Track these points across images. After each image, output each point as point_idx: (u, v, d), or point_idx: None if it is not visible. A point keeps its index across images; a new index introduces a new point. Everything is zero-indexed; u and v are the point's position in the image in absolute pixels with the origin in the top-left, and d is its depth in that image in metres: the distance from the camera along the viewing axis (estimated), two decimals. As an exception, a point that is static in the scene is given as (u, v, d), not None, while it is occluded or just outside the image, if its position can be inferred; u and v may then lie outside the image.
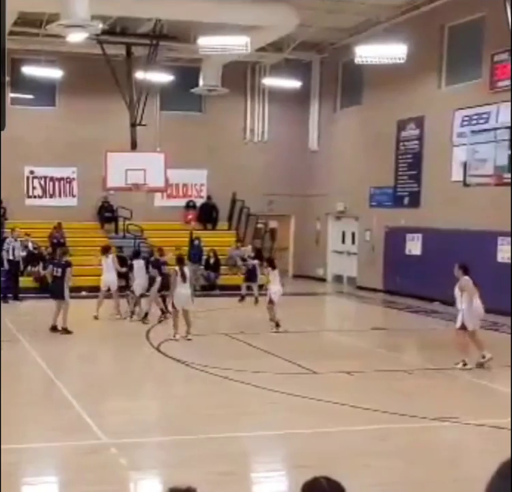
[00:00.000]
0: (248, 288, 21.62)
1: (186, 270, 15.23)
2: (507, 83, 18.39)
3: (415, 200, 22.88)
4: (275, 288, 16.58)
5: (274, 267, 16.89)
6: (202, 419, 9.45)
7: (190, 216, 27.22)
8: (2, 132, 4.76)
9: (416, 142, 22.77)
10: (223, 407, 10.04)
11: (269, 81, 26.90)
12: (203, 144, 27.01)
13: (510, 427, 8.45)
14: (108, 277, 17.83)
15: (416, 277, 21.77)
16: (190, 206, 27.63)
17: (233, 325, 17.32)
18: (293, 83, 26.08)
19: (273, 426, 9.23)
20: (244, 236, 26.81)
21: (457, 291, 13.31)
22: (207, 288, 23.48)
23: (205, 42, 20.39)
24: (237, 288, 22.28)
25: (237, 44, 20.57)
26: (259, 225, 27.82)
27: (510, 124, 15.49)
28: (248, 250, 25.08)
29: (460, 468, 7.97)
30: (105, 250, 18.35)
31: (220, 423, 9.25)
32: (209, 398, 10.64)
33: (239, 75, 27.53)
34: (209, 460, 7.76)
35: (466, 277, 13.29)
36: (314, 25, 23.71)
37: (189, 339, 14.79)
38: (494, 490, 1.68)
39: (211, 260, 24.11)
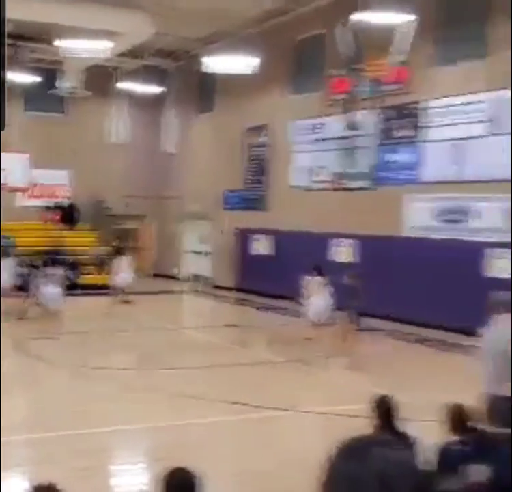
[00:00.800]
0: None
1: (52, 270, 15.34)
2: (342, 96, 19.67)
3: (262, 203, 24.06)
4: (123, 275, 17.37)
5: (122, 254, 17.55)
6: (66, 415, 9.58)
7: (52, 217, 27.46)
8: None
9: (263, 148, 24.01)
10: (86, 403, 10.18)
11: (130, 86, 27.46)
12: (66, 145, 27.39)
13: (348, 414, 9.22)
14: None
15: (264, 275, 22.95)
16: (52, 206, 27.82)
17: (98, 323, 17.61)
18: (152, 89, 26.91)
19: (133, 421, 9.45)
20: (104, 236, 27.29)
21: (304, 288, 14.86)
22: (69, 288, 23.76)
23: (65, 44, 20.87)
24: (98, 287, 22.60)
25: (97, 49, 21.23)
26: (119, 226, 28.46)
27: (345, 134, 16.90)
28: (107, 250, 25.73)
29: (304, 454, 7.90)
30: None
31: (84, 419, 9.44)
32: (73, 395, 10.77)
33: (102, 79, 27.98)
34: (72, 456, 7.89)
35: (318, 277, 14.75)
36: (170, 34, 24.62)
37: (57, 338, 14.73)
38: (338, 472, 1.68)
39: (72, 260, 24.50)
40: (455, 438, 5.32)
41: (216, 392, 10.95)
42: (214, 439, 8.98)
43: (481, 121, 16.67)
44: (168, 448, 8.20)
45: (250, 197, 24.78)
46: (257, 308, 21.61)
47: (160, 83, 27.54)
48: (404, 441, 4.92)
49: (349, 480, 1.59)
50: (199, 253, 27.89)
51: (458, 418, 5.40)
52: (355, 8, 15.79)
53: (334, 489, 1.63)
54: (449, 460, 5.00)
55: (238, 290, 24.57)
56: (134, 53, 26.24)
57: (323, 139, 18.60)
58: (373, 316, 17.87)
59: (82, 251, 25.21)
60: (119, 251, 18.14)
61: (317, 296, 14.68)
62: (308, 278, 14.97)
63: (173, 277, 28.58)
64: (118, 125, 29.13)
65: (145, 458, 8.69)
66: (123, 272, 17.53)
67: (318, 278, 15.01)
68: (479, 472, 4.91)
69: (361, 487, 1.57)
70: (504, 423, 5.33)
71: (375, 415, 5.36)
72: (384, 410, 5.40)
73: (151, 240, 30.08)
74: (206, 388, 11.33)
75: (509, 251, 15.96)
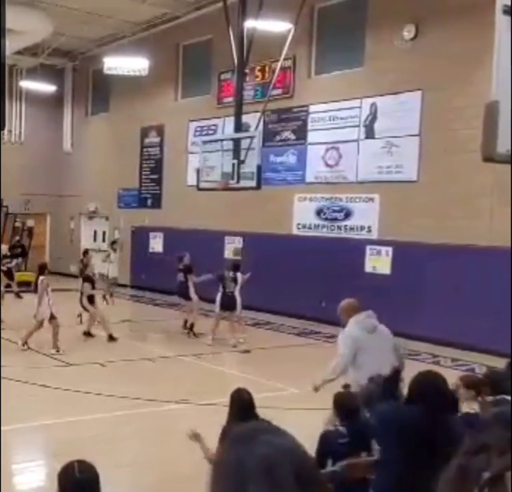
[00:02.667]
0: (7, 285, 22.14)
1: None
2: (231, 99, 20.40)
3: (157, 202, 24.50)
4: None
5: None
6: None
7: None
8: None
9: (157, 148, 24.44)
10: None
11: (26, 84, 27.37)
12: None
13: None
14: None
15: (158, 272, 23.36)
16: None
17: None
18: (48, 87, 26.89)
19: (30, 418, 9.48)
20: (2, 235, 27.17)
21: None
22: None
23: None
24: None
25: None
26: (17, 224, 28.37)
27: (233, 136, 17.42)
28: (4, 248, 25.68)
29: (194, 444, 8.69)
30: None
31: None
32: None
33: (-3, 76, 27.97)
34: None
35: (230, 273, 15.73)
36: (67, 34, 24.73)
37: None
38: (226, 456, 1.70)
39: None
40: (336, 424, 5.75)
41: (111, 387, 11.12)
42: (111, 433, 9.19)
43: (356, 126, 17.72)
44: (65, 444, 8.35)
45: (144, 195, 25.20)
46: (154, 304, 22.05)
47: (56, 82, 27.60)
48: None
49: (236, 463, 1.62)
50: (93, 250, 28.02)
51: (340, 404, 5.82)
52: (241, 15, 16.45)
53: (222, 473, 1.67)
54: (328, 444, 5.49)
55: (134, 287, 24.97)
56: (31, 51, 26.25)
57: (213, 141, 19.12)
58: (262, 310, 18.69)
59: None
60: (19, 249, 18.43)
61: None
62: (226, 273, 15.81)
63: (70, 275, 28.59)
64: (15, 123, 29.05)
65: (42, 454, 8.85)
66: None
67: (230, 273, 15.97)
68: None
69: (246, 471, 1.60)
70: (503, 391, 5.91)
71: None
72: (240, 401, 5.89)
73: (48, 238, 30.11)
74: (102, 383, 11.48)
75: (381, 248, 17.10)
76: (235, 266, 16.11)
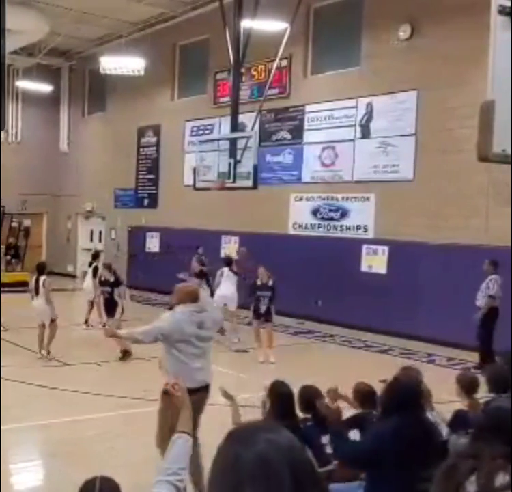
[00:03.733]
0: None
1: None
2: (227, 99, 20.45)
3: (153, 201, 24.54)
4: None
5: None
6: None
7: None
8: None
9: (154, 148, 24.47)
10: None
11: (23, 84, 27.37)
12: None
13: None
14: None
15: (155, 272, 23.45)
16: None
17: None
18: (45, 87, 26.90)
19: (27, 418, 9.45)
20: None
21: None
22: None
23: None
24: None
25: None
26: (14, 224, 28.39)
27: (230, 136, 17.44)
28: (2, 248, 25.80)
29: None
30: None
31: None
32: None
33: (-6, 76, 27.99)
34: None
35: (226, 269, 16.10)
36: (63, 33, 24.72)
37: None
38: (224, 455, 1.70)
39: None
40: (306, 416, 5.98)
41: (109, 387, 11.12)
42: (109, 432, 9.17)
43: (352, 126, 17.76)
44: (63, 444, 8.40)
45: (141, 195, 25.22)
46: (151, 304, 22.07)
47: (53, 82, 27.62)
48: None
49: (234, 461, 1.64)
50: (90, 250, 28.06)
51: (307, 398, 6.05)
52: (237, 15, 16.49)
53: (220, 471, 1.68)
54: (306, 434, 5.54)
55: (130, 286, 24.92)
56: (27, 51, 26.28)
57: (209, 140, 19.13)
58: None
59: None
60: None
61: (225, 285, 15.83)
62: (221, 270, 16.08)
63: (67, 275, 28.66)
64: (12, 123, 29.06)
65: (40, 454, 8.81)
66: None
67: (226, 269, 16.21)
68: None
69: (243, 469, 1.62)
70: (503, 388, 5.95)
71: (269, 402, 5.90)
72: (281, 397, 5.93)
73: (45, 238, 30.13)
74: (99, 383, 11.50)
75: (377, 247, 17.15)
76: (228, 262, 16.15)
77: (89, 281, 17.72)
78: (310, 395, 6.06)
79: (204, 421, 7.14)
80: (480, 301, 13.40)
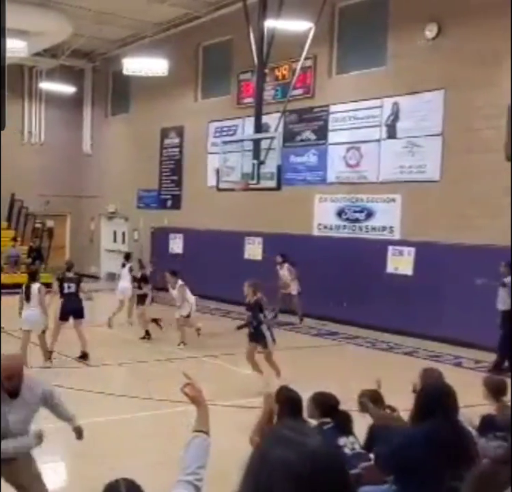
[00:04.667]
0: None
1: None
2: (251, 99, 20.39)
3: (177, 202, 24.51)
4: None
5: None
6: None
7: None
8: None
9: (177, 149, 24.45)
10: None
11: (46, 85, 27.51)
12: (-19, 145, 27.23)
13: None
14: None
15: (178, 273, 23.37)
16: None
17: (11, 322, 17.61)
18: (68, 89, 26.97)
19: (52, 419, 9.46)
20: (22, 235, 27.31)
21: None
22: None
23: (-18, 43, 20.88)
24: (17, 286, 22.71)
25: (14, 48, 21.29)
26: (37, 225, 28.46)
27: (253, 136, 17.38)
28: (23, 249, 25.86)
29: (213, 444, 8.66)
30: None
31: None
32: None
33: (17, 78, 28.01)
34: None
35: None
36: (86, 35, 24.82)
37: None
38: (253, 455, 1.68)
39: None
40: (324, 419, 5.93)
41: (131, 388, 11.18)
42: (132, 433, 9.21)
43: (377, 126, 17.62)
44: (87, 445, 8.12)
45: (164, 196, 25.20)
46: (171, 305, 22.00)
47: (76, 84, 27.70)
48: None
49: (261, 463, 1.62)
50: (113, 251, 28.16)
51: (325, 403, 6.04)
52: (261, 15, 16.42)
53: (250, 471, 1.65)
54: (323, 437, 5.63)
55: (152, 288, 24.87)
56: (50, 53, 26.38)
57: (233, 141, 19.08)
58: (281, 311, 18.62)
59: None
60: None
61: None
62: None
63: (90, 276, 28.68)
64: (35, 125, 29.21)
65: (64, 455, 8.83)
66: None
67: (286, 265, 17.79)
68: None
69: (269, 471, 1.59)
70: None
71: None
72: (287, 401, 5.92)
73: (68, 239, 30.21)
74: (117, 384, 11.65)
75: (404, 248, 16.99)
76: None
77: (123, 282, 17.96)
78: (328, 400, 6.05)
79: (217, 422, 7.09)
80: (502, 303, 13.23)
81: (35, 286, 12.82)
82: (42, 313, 12.74)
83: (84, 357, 13.38)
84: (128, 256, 19.34)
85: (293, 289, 18.28)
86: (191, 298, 15.43)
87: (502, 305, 13.39)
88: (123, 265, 18.65)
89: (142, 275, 16.93)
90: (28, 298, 12.69)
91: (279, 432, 1.70)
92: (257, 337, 11.81)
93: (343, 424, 5.87)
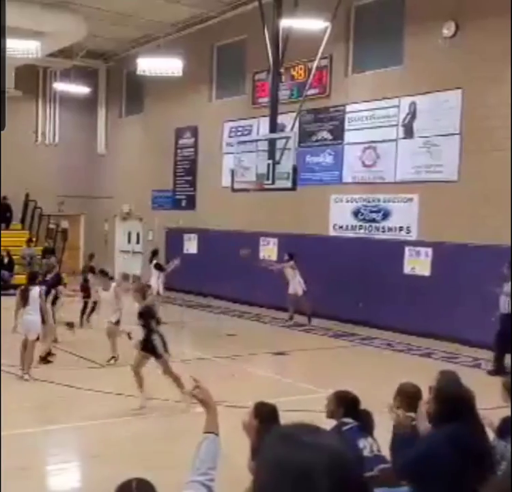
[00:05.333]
0: None
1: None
2: (266, 99, 20.29)
3: (191, 203, 24.46)
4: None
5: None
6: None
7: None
8: None
9: (192, 149, 24.39)
10: (16, 403, 10.10)
11: (60, 86, 27.56)
12: (-4, 145, 27.27)
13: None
14: None
15: (193, 274, 23.32)
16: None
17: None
18: (82, 89, 26.98)
19: (66, 420, 9.53)
20: (36, 236, 27.33)
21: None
22: (2, 288, 23.78)
23: (-3, 43, 20.93)
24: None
25: (28, 48, 21.33)
26: (51, 225, 28.45)
27: (269, 136, 17.30)
28: (37, 250, 25.87)
29: (229, 446, 8.30)
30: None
31: (12, 419, 9.21)
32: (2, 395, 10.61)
33: (31, 79, 28.07)
34: (6, 456, 7.71)
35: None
36: (100, 35, 24.86)
37: None
38: (265, 459, 1.65)
39: (6, 260, 24.46)
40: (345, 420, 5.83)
41: (147, 389, 10.95)
42: (146, 434, 9.18)
43: (394, 126, 17.48)
44: (100, 445, 8.43)
45: (178, 197, 25.14)
46: (187, 306, 21.96)
47: (90, 84, 27.69)
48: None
49: (275, 463, 1.57)
50: (127, 252, 28.16)
51: (348, 402, 5.93)
52: (276, 14, 16.33)
53: (262, 472, 1.62)
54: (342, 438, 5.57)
55: (167, 288, 24.83)
56: (64, 53, 26.37)
57: (248, 141, 19.02)
58: (297, 312, 18.54)
59: (15, 251, 25.20)
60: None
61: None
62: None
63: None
64: (49, 125, 29.23)
65: (77, 456, 8.82)
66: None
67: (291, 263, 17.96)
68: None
69: (284, 472, 1.56)
70: None
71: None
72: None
73: (82, 240, 30.21)
74: (134, 385, 11.20)
75: (421, 249, 16.85)
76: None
77: (153, 279, 18.49)
78: (352, 399, 5.97)
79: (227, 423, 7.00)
80: (505, 305, 13.06)
81: (36, 290, 12.03)
82: (42, 319, 12.00)
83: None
84: (155, 252, 19.76)
85: (294, 289, 18.28)
86: (122, 302, 13.66)
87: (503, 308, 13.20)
88: (151, 261, 19.26)
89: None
90: (25, 301, 11.84)
91: (290, 433, 1.64)
92: (147, 346, 10.68)
93: (364, 425, 5.78)
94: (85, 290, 17.71)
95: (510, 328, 12.78)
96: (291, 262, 18.39)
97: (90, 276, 17.21)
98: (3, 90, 4.80)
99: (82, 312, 17.22)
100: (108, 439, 8.93)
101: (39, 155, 28.65)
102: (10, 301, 20.72)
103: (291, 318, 18.47)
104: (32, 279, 12.41)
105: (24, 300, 11.88)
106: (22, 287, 12.23)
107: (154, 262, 18.92)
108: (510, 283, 13.16)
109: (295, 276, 18.24)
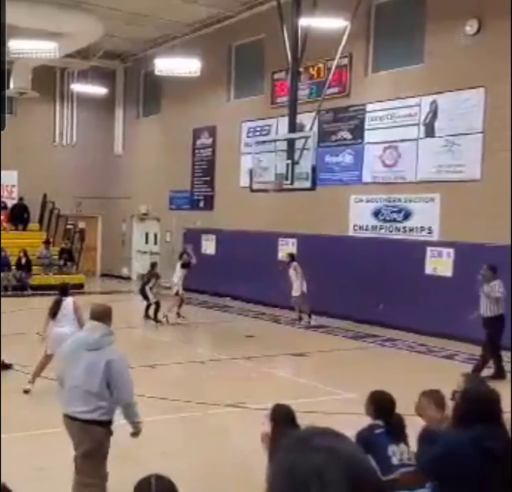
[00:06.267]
0: None
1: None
2: (285, 99, 20.20)
3: (209, 203, 24.38)
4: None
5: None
6: (16, 416, 9.37)
7: (1, 217, 27.43)
8: None
9: (210, 150, 24.31)
10: (36, 404, 10.16)
11: (77, 87, 27.62)
12: (13, 146, 27.18)
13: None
14: None
15: (210, 274, 23.25)
16: (1, 206, 27.67)
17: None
18: (100, 90, 27.03)
19: None
20: (54, 237, 27.35)
21: None
22: (19, 288, 23.87)
23: (16, 45, 20.99)
24: (49, 287, 22.98)
25: (46, 49, 21.34)
26: (69, 226, 28.50)
27: (288, 136, 17.19)
28: (55, 250, 25.92)
29: (247, 448, 7.64)
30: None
31: (34, 419, 9.44)
32: (21, 396, 10.65)
33: (49, 80, 28.13)
34: (26, 456, 7.90)
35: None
36: (118, 35, 24.84)
37: None
38: (279, 464, 1.62)
39: (23, 260, 24.52)
40: (377, 422, 5.77)
41: (160, 390, 11.08)
42: (164, 436, 9.12)
43: (415, 125, 17.30)
44: (119, 446, 8.26)
45: (196, 197, 25.05)
46: (207, 307, 21.92)
47: (108, 85, 27.70)
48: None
49: (288, 469, 1.55)
50: (145, 252, 28.12)
51: (381, 403, 5.85)
52: (295, 13, 16.19)
53: (276, 478, 1.59)
54: (365, 438, 5.43)
55: (185, 289, 24.77)
56: (82, 54, 26.36)
57: (267, 141, 18.90)
58: (317, 313, 18.40)
59: (32, 251, 25.22)
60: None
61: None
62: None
63: (120, 277, 28.69)
64: (67, 126, 29.23)
65: None
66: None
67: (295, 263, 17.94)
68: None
69: (297, 478, 1.53)
70: None
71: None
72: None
73: (99, 240, 30.20)
74: (151, 386, 11.29)
75: (443, 249, 16.65)
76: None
77: (176, 278, 19.16)
78: (384, 401, 5.89)
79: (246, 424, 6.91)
80: (485, 309, 12.68)
81: (69, 301, 11.39)
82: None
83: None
84: (182, 255, 20.08)
85: (297, 290, 18.20)
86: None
87: (484, 311, 12.79)
88: (180, 257, 19.80)
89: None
90: (55, 314, 11.28)
91: (305, 438, 1.60)
92: None
93: (395, 429, 5.68)
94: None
95: (494, 331, 12.51)
96: (294, 263, 18.32)
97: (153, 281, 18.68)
98: (3, 90, 4.58)
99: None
100: (125, 440, 8.85)
101: (56, 156, 28.67)
102: (27, 301, 21.20)
103: (300, 318, 18.42)
104: (64, 291, 11.66)
105: (54, 313, 11.31)
106: (56, 298, 11.57)
107: (179, 262, 19.33)
108: (492, 284, 12.70)
109: (297, 278, 18.17)
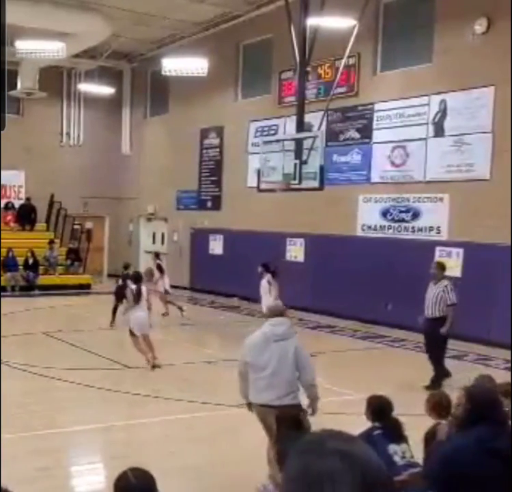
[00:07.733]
0: None
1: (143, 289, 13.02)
2: (292, 98, 20.12)
3: (216, 203, 24.32)
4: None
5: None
6: (21, 416, 9.49)
7: (9, 217, 27.44)
8: None
9: (217, 150, 24.26)
10: (41, 404, 10.23)
11: (84, 87, 27.60)
12: (20, 146, 27.21)
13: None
14: None
15: (218, 274, 23.27)
16: (8, 207, 27.69)
17: (52, 324, 17.57)
18: (107, 90, 27.00)
19: (88, 421, 9.50)
20: (61, 237, 27.34)
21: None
22: (26, 289, 23.90)
23: (23, 45, 20.98)
24: (56, 287, 23.08)
25: (53, 49, 21.32)
26: (76, 226, 28.46)
27: (295, 136, 17.13)
28: (62, 250, 25.94)
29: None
30: None
31: (38, 419, 9.47)
32: (28, 396, 10.72)
33: (56, 80, 28.11)
34: (27, 457, 7.91)
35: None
36: (125, 35, 24.80)
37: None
38: (292, 468, 1.62)
39: (30, 261, 24.52)
40: (375, 424, 5.87)
41: (171, 390, 11.06)
42: (171, 435, 9.12)
43: (424, 124, 17.21)
44: (124, 446, 8.43)
45: (203, 197, 25.00)
46: (215, 307, 21.89)
47: (115, 85, 27.67)
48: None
49: (302, 472, 1.54)
50: (152, 252, 28.00)
51: (379, 407, 5.95)
52: (303, 12, 16.13)
53: (289, 482, 1.59)
54: (372, 442, 5.40)
55: (193, 289, 24.81)
56: (89, 54, 26.36)
57: (274, 141, 18.84)
58: (325, 313, 18.35)
59: (39, 252, 25.22)
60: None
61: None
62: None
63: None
64: (74, 126, 29.22)
65: (101, 457, 8.79)
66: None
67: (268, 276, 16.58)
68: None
69: (310, 481, 1.52)
70: None
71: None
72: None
73: (106, 241, 30.18)
74: (161, 386, 11.43)
75: (452, 249, 16.55)
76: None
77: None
78: (380, 404, 6.00)
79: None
80: (432, 309, 12.23)
81: (144, 288, 12.92)
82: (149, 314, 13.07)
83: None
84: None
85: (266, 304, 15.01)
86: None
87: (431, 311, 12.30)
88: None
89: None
90: (138, 300, 12.73)
91: (316, 441, 1.61)
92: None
93: (392, 430, 5.78)
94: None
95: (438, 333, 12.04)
96: (268, 275, 16.87)
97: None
98: (4, 90, 4.61)
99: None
100: (132, 440, 8.89)
101: (64, 156, 28.67)
102: (34, 301, 21.23)
103: None
104: (138, 279, 13.10)
105: (137, 299, 12.69)
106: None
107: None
108: (441, 284, 12.33)
109: (267, 292, 16.67)
